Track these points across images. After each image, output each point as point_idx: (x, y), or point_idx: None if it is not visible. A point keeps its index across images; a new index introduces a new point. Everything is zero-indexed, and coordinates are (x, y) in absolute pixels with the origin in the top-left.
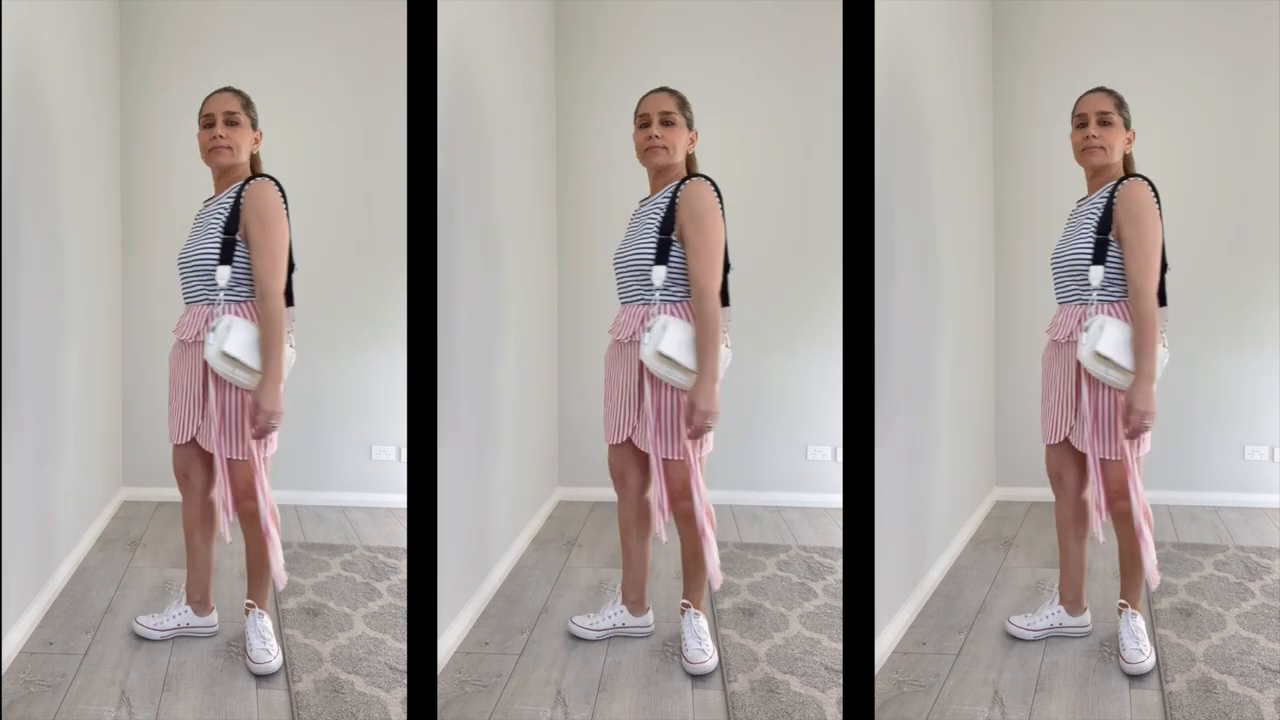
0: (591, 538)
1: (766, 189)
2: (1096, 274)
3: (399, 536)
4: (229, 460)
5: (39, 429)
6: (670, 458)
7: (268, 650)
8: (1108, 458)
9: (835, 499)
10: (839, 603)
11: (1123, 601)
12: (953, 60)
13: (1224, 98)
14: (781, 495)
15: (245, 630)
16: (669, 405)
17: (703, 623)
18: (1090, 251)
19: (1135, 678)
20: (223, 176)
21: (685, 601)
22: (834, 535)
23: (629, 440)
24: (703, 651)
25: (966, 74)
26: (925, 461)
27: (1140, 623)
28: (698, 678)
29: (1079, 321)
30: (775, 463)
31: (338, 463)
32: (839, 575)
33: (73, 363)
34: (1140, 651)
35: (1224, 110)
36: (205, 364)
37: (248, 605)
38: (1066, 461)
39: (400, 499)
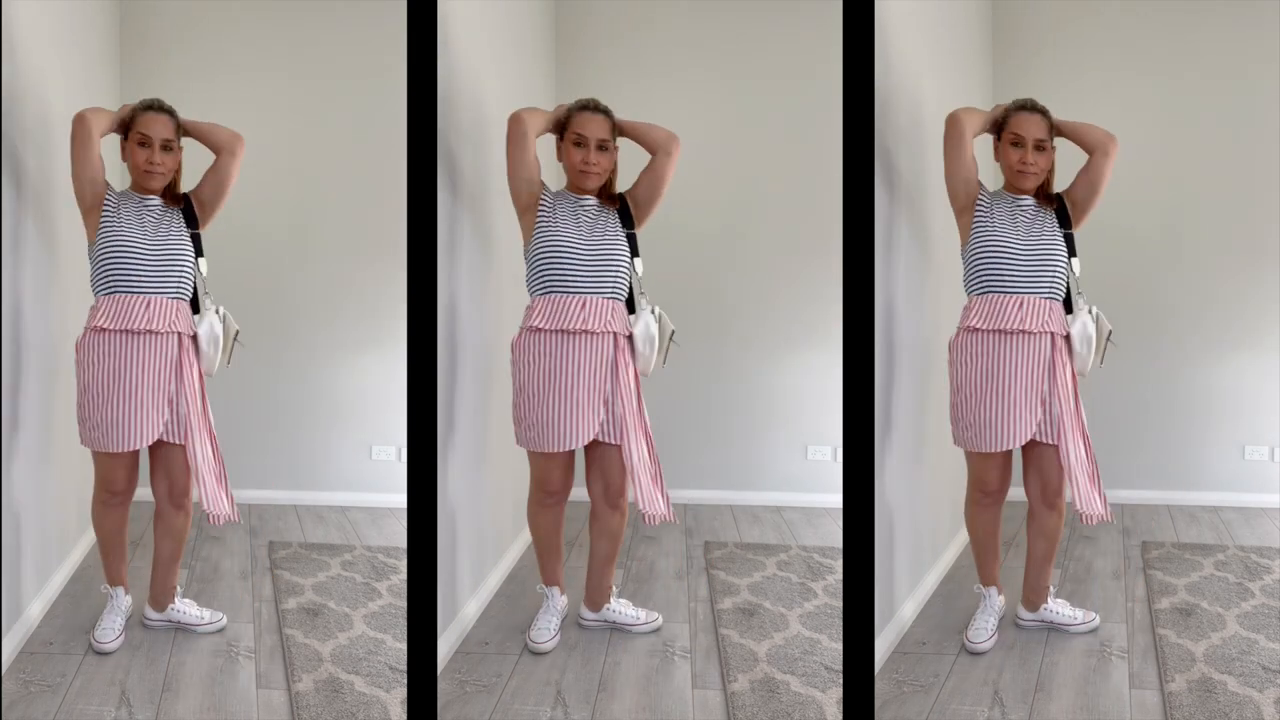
0: None
1: (766, 188)
2: (1076, 265)
3: (399, 536)
4: (180, 447)
5: (39, 429)
6: (620, 444)
7: (212, 615)
8: (1071, 445)
9: (835, 499)
10: (839, 603)
11: (1050, 589)
12: (953, 60)
13: (1223, 98)
14: (781, 495)
15: (179, 618)
16: (634, 391)
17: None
18: (1063, 245)
19: (1093, 634)
20: (152, 191)
21: (613, 590)
22: (834, 535)
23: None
24: (651, 614)
25: (966, 74)
26: (925, 461)
27: (1054, 600)
28: (655, 633)
29: (1050, 312)
30: (775, 463)
31: (338, 463)
32: (839, 575)
33: (72, 363)
34: (1088, 613)
35: (1223, 110)
36: (179, 353)
37: (174, 591)
38: (1006, 466)
39: (400, 499)
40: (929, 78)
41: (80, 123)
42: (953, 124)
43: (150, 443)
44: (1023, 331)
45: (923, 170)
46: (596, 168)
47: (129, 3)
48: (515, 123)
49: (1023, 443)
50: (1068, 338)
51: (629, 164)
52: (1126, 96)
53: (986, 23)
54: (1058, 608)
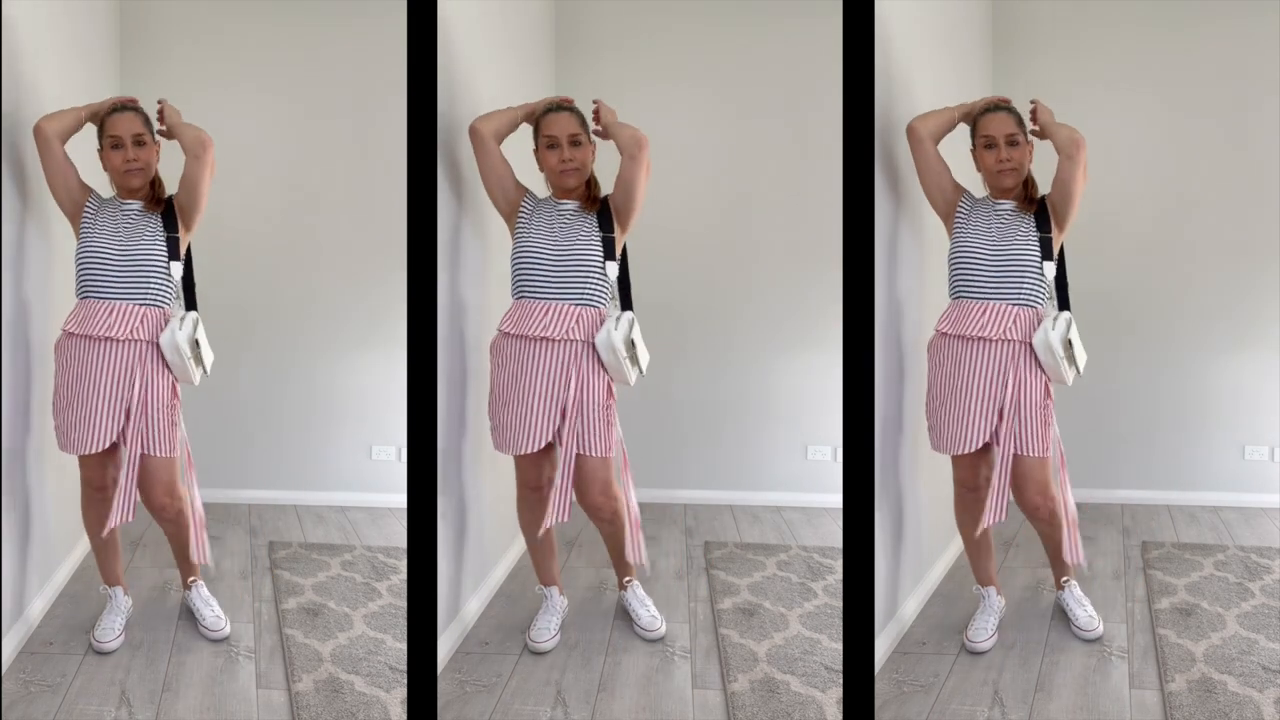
0: (592, 537)
1: (765, 188)
2: (1050, 270)
3: (399, 536)
4: (146, 456)
5: (39, 429)
6: (592, 454)
7: (219, 616)
8: (1031, 455)
9: (835, 499)
10: (839, 603)
11: (1065, 579)
12: (953, 60)
13: (1223, 97)
14: (781, 495)
15: (191, 604)
16: (598, 400)
17: (640, 589)
18: (1037, 251)
19: (1090, 643)
20: (135, 191)
21: (628, 579)
22: (834, 535)
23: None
24: (655, 618)
25: (966, 74)
26: (925, 461)
27: (1079, 590)
28: (653, 643)
29: (1015, 319)
30: (775, 463)
31: (338, 463)
32: (839, 575)
33: None
34: (1092, 618)
35: (1223, 110)
36: (140, 361)
37: (190, 581)
38: (981, 463)
39: (400, 499)
40: (929, 77)
41: (37, 133)
42: (909, 134)
43: (103, 449)
44: (981, 338)
45: None
46: (574, 164)
47: (129, 2)
48: (471, 134)
49: (974, 449)
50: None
51: (609, 164)
52: (1126, 96)
53: (986, 23)
54: (1070, 601)
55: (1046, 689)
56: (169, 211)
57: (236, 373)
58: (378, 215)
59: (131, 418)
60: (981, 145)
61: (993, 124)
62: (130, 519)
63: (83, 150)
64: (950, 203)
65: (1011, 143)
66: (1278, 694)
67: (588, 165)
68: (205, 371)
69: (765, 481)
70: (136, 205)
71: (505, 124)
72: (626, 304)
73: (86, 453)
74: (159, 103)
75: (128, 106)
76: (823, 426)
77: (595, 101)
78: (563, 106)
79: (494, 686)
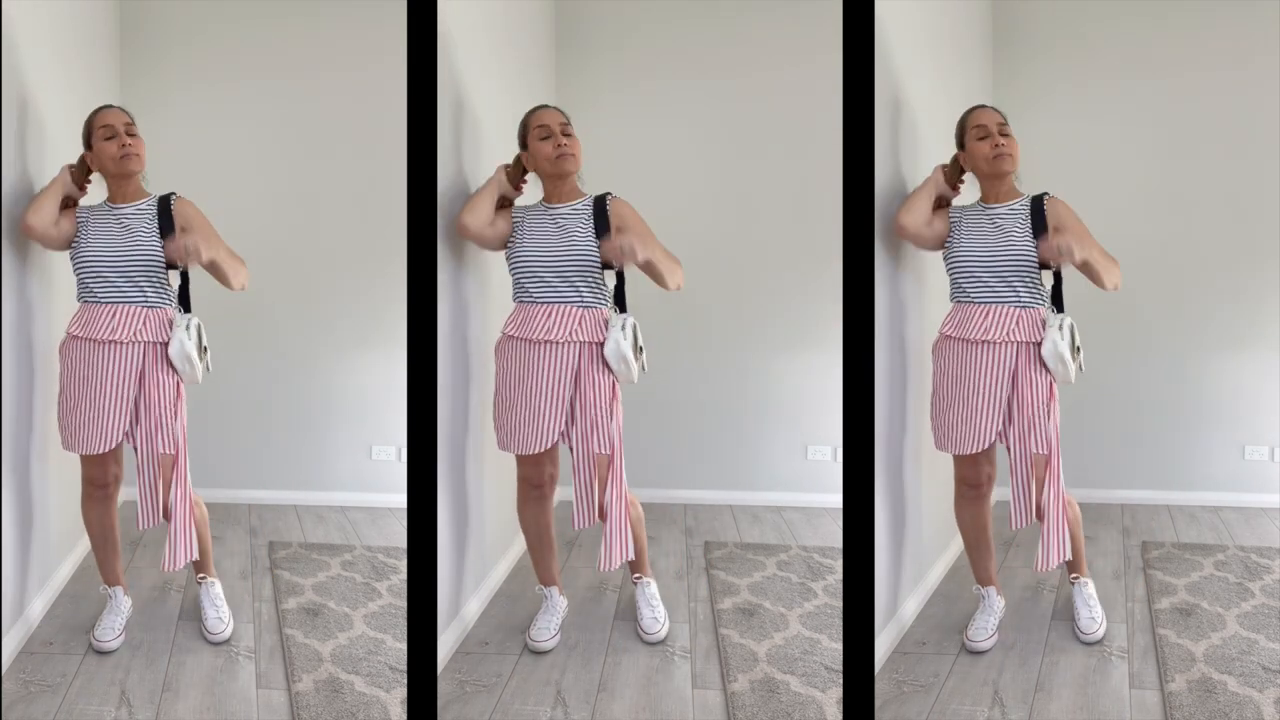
0: (592, 537)
1: (766, 187)
2: (1048, 275)
3: (399, 536)
4: (154, 453)
5: (39, 429)
6: (599, 451)
7: (221, 618)
8: (1037, 451)
9: (835, 499)
10: (839, 603)
11: (1074, 576)
12: (953, 60)
13: (1223, 98)
14: (781, 495)
15: (199, 601)
16: (603, 399)
17: (654, 589)
18: (1032, 252)
19: (1091, 645)
20: (126, 184)
21: (637, 576)
22: (834, 535)
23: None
24: (656, 620)
25: (966, 74)
26: (925, 461)
27: (1092, 589)
28: (654, 645)
29: (1017, 321)
30: (775, 463)
31: (338, 463)
32: (839, 575)
33: None
34: (1093, 620)
35: (1223, 110)
36: (143, 362)
37: (200, 578)
38: (985, 461)
39: (400, 499)
40: (929, 78)
41: (29, 232)
42: (900, 233)
43: (110, 449)
44: (985, 341)
45: (924, 170)
46: (569, 149)
47: (129, 3)
48: (461, 232)
49: (982, 448)
50: (1040, 345)
51: (594, 157)
52: (1126, 96)
53: (986, 23)
54: (1079, 599)
55: (1046, 689)
56: (165, 214)
57: (236, 373)
58: (378, 215)
59: (139, 418)
60: (974, 138)
61: (984, 116)
62: (158, 520)
63: (75, 150)
64: (941, 236)
65: (1004, 133)
66: (1278, 694)
67: (580, 153)
68: (208, 369)
69: (765, 481)
70: (128, 209)
71: (487, 206)
72: (622, 306)
73: (94, 453)
74: (185, 245)
75: (111, 105)
76: (823, 426)
77: (622, 246)
78: (547, 106)
79: (494, 686)
